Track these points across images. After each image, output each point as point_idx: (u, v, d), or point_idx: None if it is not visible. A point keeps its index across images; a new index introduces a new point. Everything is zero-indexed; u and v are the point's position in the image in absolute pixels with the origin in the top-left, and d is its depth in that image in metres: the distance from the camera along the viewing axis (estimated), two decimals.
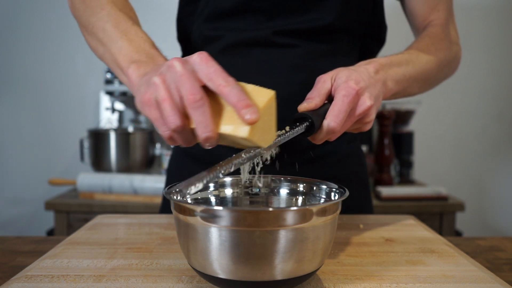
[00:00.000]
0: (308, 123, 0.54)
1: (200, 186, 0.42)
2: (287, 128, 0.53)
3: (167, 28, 1.33)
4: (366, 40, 0.83)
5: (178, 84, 0.45)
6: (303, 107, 0.56)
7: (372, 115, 0.59)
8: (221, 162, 0.44)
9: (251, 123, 0.43)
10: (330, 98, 0.58)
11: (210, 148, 0.48)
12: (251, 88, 0.47)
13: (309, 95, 0.58)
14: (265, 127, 0.47)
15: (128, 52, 0.59)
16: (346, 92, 0.55)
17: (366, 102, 0.57)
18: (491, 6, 2.01)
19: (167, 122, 0.46)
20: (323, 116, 0.55)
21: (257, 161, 0.54)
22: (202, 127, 0.45)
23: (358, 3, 0.77)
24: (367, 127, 0.61)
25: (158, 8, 1.93)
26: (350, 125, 0.58)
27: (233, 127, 0.45)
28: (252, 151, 0.46)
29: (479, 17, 2.01)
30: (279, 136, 0.51)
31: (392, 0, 0.86)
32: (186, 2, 0.84)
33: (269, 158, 0.54)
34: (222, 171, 0.44)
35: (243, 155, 0.46)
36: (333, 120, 0.54)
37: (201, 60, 0.45)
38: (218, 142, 0.47)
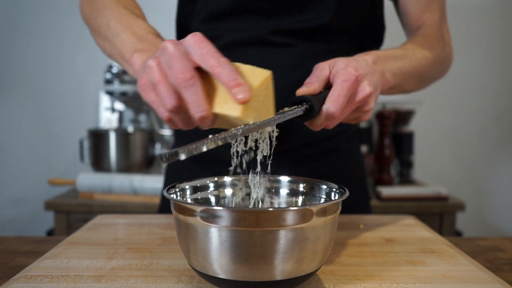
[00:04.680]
0: (307, 106, 0.53)
1: (195, 151, 0.40)
2: (286, 109, 0.52)
3: (166, 30, 1.33)
4: (364, 39, 0.83)
5: (171, 64, 0.45)
6: (302, 91, 0.55)
7: (372, 104, 0.58)
8: (216, 134, 0.42)
9: (243, 103, 0.43)
10: (328, 86, 0.57)
11: (207, 129, 0.47)
12: (247, 68, 0.47)
13: (307, 80, 0.57)
14: (260, 108, 0.47)
15: (131, 44, 0.60)
16: (346, 78, 0.54)
17: (366, 88, 0.56)
18: (491, 5, 2.01)
19: (164, 103, 0.46)
20: (322, 101, 0.54)
21: (256, 151, 0.54)
22: (195, 107, 0.45)
23: (355, 3, 0.77)
24: (366, 116, 0.60)
25: (157, 9, 1.92)
26: (350, 112, 0.57)
27: (226, 106, 0.45)
28: (246, 126, 0.45)
29: (480, 17, 2.01)
30: (279, 113, 0.50)
31: (389, 0, 0.86)
32: (185, 2, 0.84)
33: (267, 150, 0.54)
34: (215, 141, 0.42)
35: (240, 128, 0.44)
36: (332, 105, 0.53)
37: (195, 41, 0.46)
38: (214, 123, 0.47)
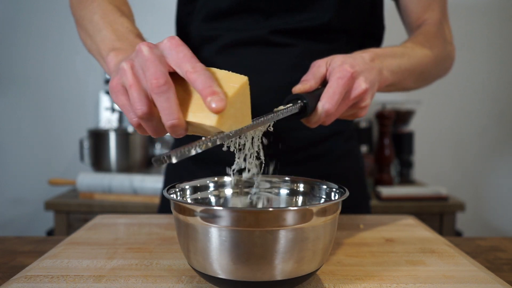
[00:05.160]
0: (302, 104, 0.53)
1: (190, 152, 0.40)
2: (280, 107, 0.52)
3: (166, 30, 1.33)
4: (364, 39, 0.83)
5: (144, 68, 0.43)
6: (298, 88, 0.55)
7: (368, 100, 0.58)
8: (208, 137, 0.42)
9: (217, 112, 0.41)
10: (324, 83, 0.57)
11: (179, 137, 0.46)
12: (222, 74, 0.45)
13: (304, 77, 0.57)
14: (237, 115, 0.44)
15: (110, 41, 0.58)
16: (341, 75, 0.55)
17: (361, 85, 0.56)
18: (491, 5, 2.01)
19: (134, 109, 0.44)
20: (317, 99, 0.54)
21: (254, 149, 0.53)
22: (167, 114, 0.42)
23: (355, 2, 0.77)
24: (363, 113, 0.60)
25: (157, 9, 1.93)
26: (345, 108, 0.57)
27: (201, 115, 0.43)
28: (240, 127, 0.45)
29: (480, 17, 2.01)
30: (273, 112, 0.49)
31: (389, 0, 0.86)
32: (185, 2, 0.84)
33: (259, 143, 0.53)
34: (206, 143, 0.41)
35: (230, 131, 0.44)
36: (328, 102, 0.54)
37: (171, 45, 0.44)
38: (187, 131, 0.45)
